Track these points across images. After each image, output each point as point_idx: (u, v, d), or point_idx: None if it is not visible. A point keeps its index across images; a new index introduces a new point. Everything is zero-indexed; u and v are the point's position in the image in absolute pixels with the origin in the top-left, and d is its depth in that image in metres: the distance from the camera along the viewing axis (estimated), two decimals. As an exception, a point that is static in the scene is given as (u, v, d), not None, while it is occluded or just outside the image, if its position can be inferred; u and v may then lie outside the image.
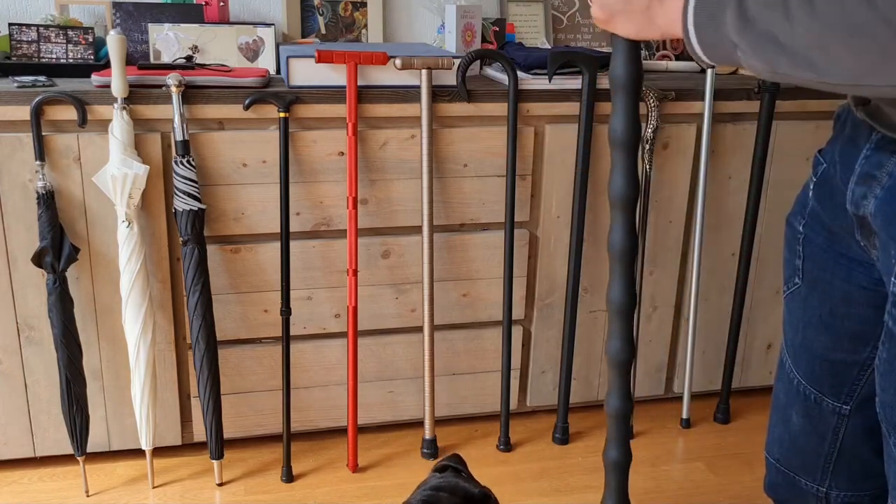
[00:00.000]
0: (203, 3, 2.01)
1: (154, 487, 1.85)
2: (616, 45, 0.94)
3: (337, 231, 1.88)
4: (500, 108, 1.86)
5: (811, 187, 1.06)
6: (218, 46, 1.92)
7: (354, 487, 1.88)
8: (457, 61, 1.82)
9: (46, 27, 1.84)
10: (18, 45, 1.83)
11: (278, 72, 1.96)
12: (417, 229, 1.91)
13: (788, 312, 1.12)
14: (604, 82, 1.90)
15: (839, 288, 1.02)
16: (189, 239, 1.71)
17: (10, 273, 1.72)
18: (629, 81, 0.95)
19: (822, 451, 1.11)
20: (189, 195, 1.69)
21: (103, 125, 1.67)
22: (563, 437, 2.08)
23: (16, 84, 1.66)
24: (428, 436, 1.98)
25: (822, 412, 1.09)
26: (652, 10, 0.85)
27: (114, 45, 1.61)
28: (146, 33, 1.93)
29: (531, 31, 2.30)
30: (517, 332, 2.06)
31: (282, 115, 1.73)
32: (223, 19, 2.07)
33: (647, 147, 1.94)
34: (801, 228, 1.07)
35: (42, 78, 1.70)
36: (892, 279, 0.84)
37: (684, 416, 2.18)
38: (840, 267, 1.01)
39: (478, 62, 2.05)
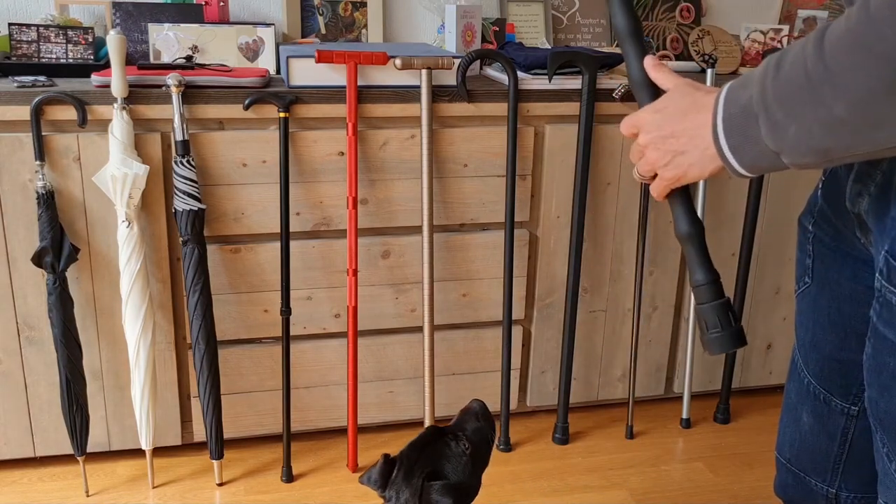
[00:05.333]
0: (203, 3, 2.01)
1: (154, 487, 1.85)
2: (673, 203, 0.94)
3: (337, 231, 1.87)
4: (500, 108, 1.86)
5: (820, 186, 1.05)
6: (218, 46, 1.92)
7: (354, 487, 1.88)
8: (457, 61, 1.82)
9: (46, 27, 1.84)
10: (18, 45, 1.83)
11: (278, 72, 1.95)
12: (417, 229, 1.91)
13: (799, 312, 1.12)
14: (604, 82, 1.90)
15: (847, 287, 1.02)
16: (189, 239, 1.71)
17: (10, 273, 1.72)
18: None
19: (832, 452, 1.11)
20: (189, 195, 1.69)
21: (103, 125, 1.67)
22: (563, 437, 2.08)
23: (16, 84, 1.66)
24: (428, 436, 1.98)
25: (831, 412, 1.09)
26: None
27: (114, 45, 1.61)
28: (146, 33, 1.93)
29: (531, 31, 2.30)
30: (517, 332, 2.06)
31: (282, 115, 1.73)
32: (223, 19, 2.07)
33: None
34: (810, 227, 1.07)
35: (42, 78, 1.70)
36: (878, 275, 0.84)
37: (684, 416, 2.18)
38: (847, 266, 1.01)
39: (478, 62, 2.05)
